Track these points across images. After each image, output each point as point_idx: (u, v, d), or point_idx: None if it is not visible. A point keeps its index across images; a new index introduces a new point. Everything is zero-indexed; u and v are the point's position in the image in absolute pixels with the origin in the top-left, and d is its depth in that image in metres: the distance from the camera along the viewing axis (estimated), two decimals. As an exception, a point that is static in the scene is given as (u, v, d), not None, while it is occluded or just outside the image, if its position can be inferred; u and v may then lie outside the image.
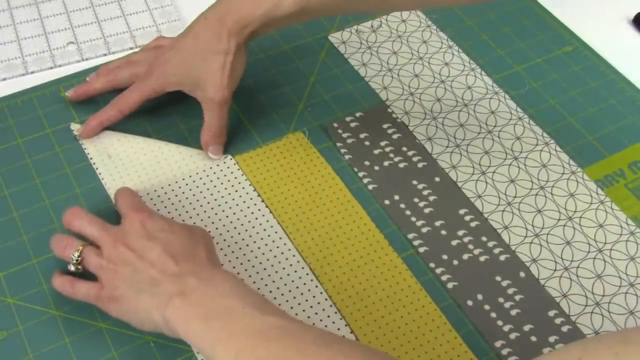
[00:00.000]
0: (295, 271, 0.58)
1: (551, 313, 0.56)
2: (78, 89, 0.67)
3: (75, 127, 0.66)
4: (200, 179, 0.63)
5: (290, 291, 0.56)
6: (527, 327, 0.55)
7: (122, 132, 0.65)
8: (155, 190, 0.62)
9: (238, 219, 0.60)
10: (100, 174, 0.63)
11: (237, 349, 0.45)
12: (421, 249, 0.59)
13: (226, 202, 0.61)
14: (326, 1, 0.58)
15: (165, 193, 0.62)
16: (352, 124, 0.68)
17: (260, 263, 0.58)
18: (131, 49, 0.74)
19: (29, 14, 0.77)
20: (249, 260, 0.58)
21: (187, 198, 0.61)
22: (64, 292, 0.54)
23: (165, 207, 0.61)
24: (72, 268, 0.53)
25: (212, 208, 0.61)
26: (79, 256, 0.53)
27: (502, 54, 0.75)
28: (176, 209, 0.61)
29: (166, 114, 0.68)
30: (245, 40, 0.61)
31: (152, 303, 0.49)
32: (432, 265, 0.59)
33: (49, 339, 0.53)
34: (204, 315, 0.47)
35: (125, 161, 0.63)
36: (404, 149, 0.66)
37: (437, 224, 0.61)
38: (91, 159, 0.64)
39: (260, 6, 0.58)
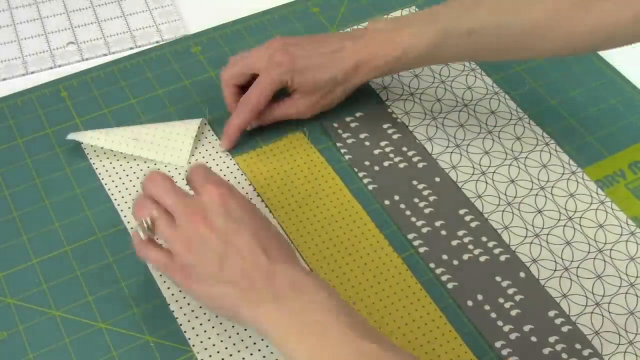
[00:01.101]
0: (295, 271, 0.58)
1: (551, 313, 0.56)
2: (228, 135, 0.64)
3: (72, 136, 0.65)
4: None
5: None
6: (527, 328, 0.55)
7: (117, 127, 0.65)
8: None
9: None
10: (99, 174, 0.63)
11: None
12: (421, 249, 0.59)
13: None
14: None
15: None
16: (352, 124, 0.68)
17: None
18: (131, 49, 0.74)
19: (29, 14, 0.77)
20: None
21: (187, 198, 0.61)
22: (137, 253, 0.52)
23: (165, 207, 0.61)
24: (141, 234, 0.51)
25: (212, 208, 0.61)
26: (151, 223, 0.51)
27: (502, 54, 0.75)
28: (176, 209, 0.61)
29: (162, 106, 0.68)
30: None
31: (241, 298, 0.48)
32: (432, 265, 0.59)
33: (49, 339, 0.53)
34: (297, 329, 0.46)
35: (120, 157, 0.63)
36: (404, 149, 0.66)
37: (437, 224, 0.61)
38: (90, 159, 0.64)
39: (389, 55, 0.61)
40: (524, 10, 0.58)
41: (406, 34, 0.61)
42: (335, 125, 0.68)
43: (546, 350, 0.54)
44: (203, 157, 0.64)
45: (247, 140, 0.66)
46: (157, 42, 0.75)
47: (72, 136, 0.64)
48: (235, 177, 0.63)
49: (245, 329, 0.54)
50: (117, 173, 0.63)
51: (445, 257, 0.59)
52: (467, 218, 0.61)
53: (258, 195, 0.62)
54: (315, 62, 0.62)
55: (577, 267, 0.59)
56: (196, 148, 0.65)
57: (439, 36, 0.60)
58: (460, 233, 0.60)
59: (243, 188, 0.62)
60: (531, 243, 0.60)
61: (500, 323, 0.55)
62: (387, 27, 0.62)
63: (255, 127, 0.65)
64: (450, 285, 0.57)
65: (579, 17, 0.57)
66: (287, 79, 0.62)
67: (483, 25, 0.59)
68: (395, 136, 0.67)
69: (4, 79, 0.71)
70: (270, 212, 0.61)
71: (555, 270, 0.59)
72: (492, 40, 0.60)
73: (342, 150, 0.66)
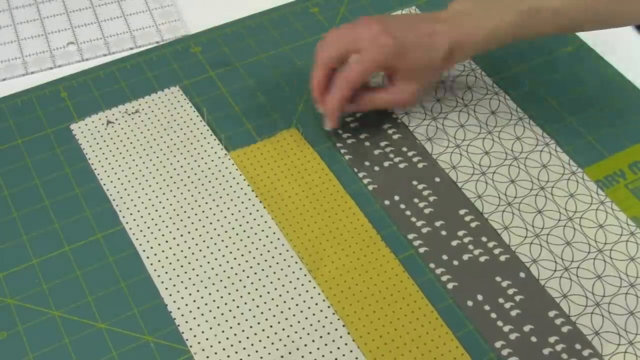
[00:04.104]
0: (289, 266, 0.58)
1: (551, 313, 0.56)
2: (331, 112, 0.63)
3: (74, 128, 0.66)
4: (195, 174, 0.63)
5: (283, 286, 0.56)
6: (527, 328, 0.55)
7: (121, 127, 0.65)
8: (150, 186, 0.62)
9: (232, 214, 0.60)
10: (99, 174, 0.63)
11: None
12: (421, 250, 0.59)
13: (220, 197, 0.61)
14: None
15: (160, 188, 0.62)
16: (352, 124, 0.68)
17: (254, 258, 0.58)
18: (131, 49, 0.74)
19: (29, 14, 0.77)
20: (242, 255, 0.58)
21: (182, 193, 0.62)
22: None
23: (160, 202, 0.61)
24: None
25: (206, 203, 0.61)
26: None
27: (502, 54, 0.75)
28: (170, 204, 0.61)
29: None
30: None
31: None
32: (432, 265, 0.59)
33: (49, 339, 0.54)
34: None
35: (120, 158, 0.64)
36: (404, 149, 0.66)
37: (437, 224, 0.61)
38: (89, 159, 0.64)
39: (481, 29, 0.62)
40: None
41: (492, 17, 0.61)
42: (335, 125, 0.68)
43: (546, 351, 0.54)
44: (198, 154, 0.64)
45: (247, 141, 0.66)
46: (157, 42, 0.75)
47: (73, 127, 0.66)
48: (231, 173, 0.63)
49: (243, 330, 0.54)
50: (116, 173, 0.63)
51: (445, 257, 0.59)
52: (467, 218, 0.61)
53: (252, 191, 0.62)
54: (414, 45, 0.61)
55: (577, 268, 0.59)
56: (192, 144, 0.65)
57: (524, 17, 0.61)
58: (460, 233, 0.60)
59: (238, 183, 0.62)
60: (531, 243, 0.60)
61: (500, 323, 0.55)
62: (472, 10, 0.62)
63: (350, 112, 0.65)
64: (450, 286, 0.57)
65: None
66: (391, 60, 0.60)
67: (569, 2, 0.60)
68: (395, 136, 0.67)
69: (4, 79, 0.71)
70: (265, 207, 0.61)
71: (555, 271, 0.59)
72: (580, 14, 0.60)
73: (342, 151, 0.66)
